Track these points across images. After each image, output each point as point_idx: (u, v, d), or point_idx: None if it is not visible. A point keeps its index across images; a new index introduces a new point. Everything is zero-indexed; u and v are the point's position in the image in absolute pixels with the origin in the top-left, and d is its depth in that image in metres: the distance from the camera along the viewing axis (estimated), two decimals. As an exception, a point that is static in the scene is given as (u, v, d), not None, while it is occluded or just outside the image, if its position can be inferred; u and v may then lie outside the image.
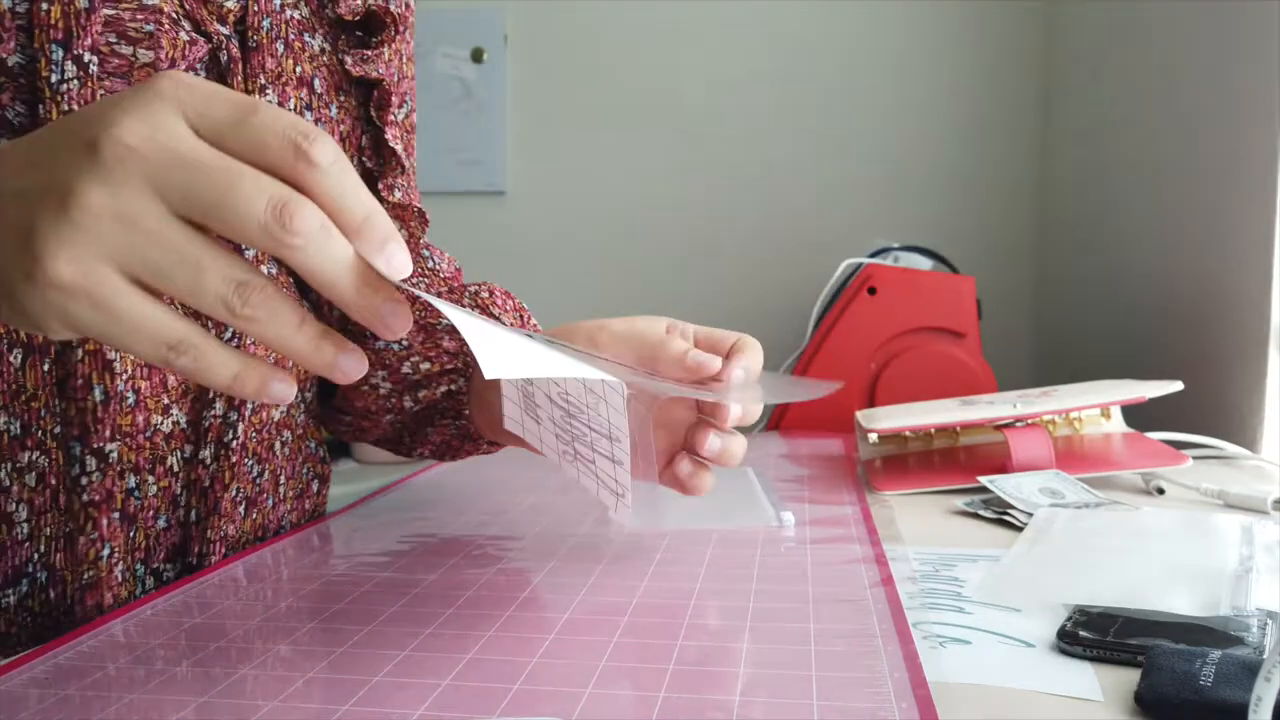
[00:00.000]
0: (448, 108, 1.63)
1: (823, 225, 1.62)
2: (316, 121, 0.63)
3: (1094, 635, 0.44)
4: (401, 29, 0.68)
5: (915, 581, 0.55)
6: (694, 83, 1.64)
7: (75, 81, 0.49)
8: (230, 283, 0.35)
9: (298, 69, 0.61)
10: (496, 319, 0.72)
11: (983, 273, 1.26)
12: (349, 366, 0.39)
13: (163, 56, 0.54)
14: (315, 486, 0.72)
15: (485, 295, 0.75)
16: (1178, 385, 0.83)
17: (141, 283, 0.35)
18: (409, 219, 0.72)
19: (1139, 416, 0.90)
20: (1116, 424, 0.89)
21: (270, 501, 0.65)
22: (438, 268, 0.77)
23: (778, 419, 1.18)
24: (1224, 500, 0.73)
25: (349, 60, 0.65)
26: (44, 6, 0.49)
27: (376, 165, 0.69)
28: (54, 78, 0.49)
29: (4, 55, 0.48)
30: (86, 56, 0.50)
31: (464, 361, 0.71)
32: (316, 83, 0.63)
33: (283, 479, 0.67)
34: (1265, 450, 0.95)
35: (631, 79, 1.65)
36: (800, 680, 0.40)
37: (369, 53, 0.66)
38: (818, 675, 0.40)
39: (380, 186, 0.68)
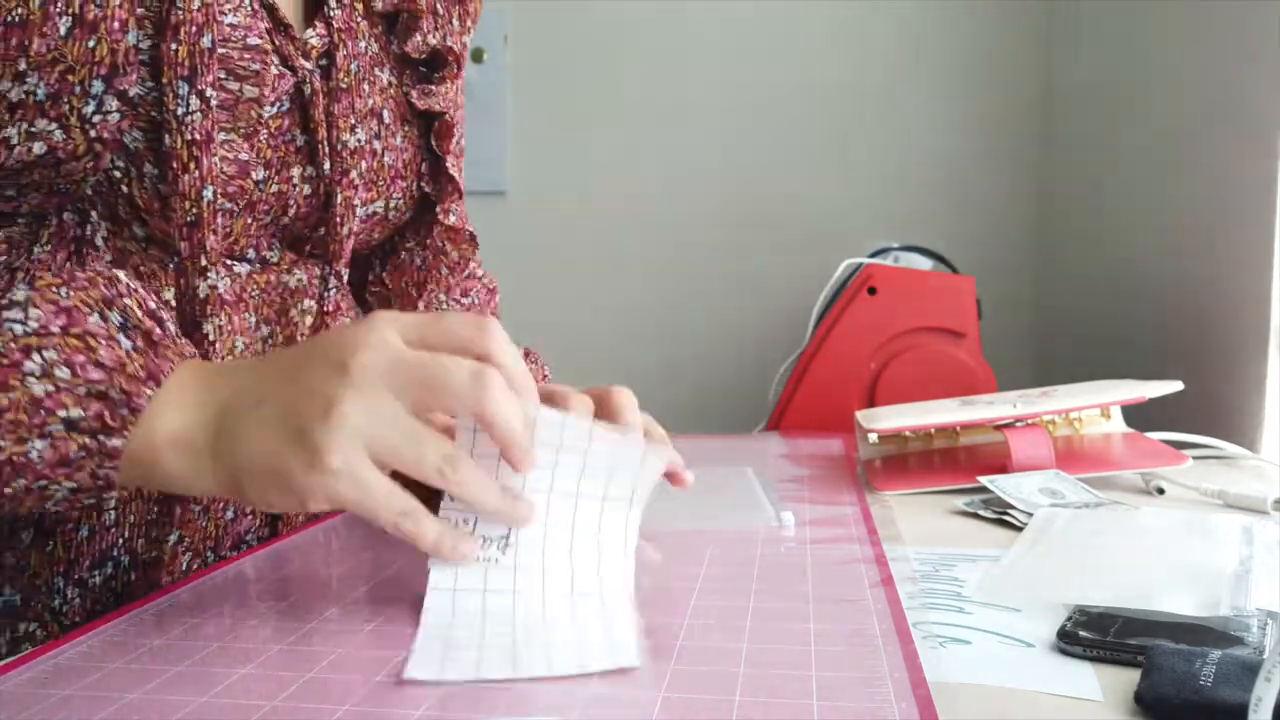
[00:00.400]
0: (448, 108, 1.63)
1: (823, 225, 1.62)
2: (384, 150, 0.68)
3: (1094, 635, 0.44)
4: (460, 67, 0.73)
5: (915, 581, 0.55)
6: (694, 83, 1.64)
7: (198, 114, 0.54)
8: (442, 455, 0.45)
9: (370, 102, 0.67)
10: None
11: (983, 273, 1.26)
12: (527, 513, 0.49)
13: (266, 93, 0.59)
14: None
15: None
16: (1178, 385, 0.83)
17: (379, 461, 0.44)
18: (460, 240, 0.79)
19: (1139, 416, 0.90)
20: (1116, 424, 0.89)
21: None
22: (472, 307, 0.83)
23: (777, 419, 1.18)
24: (1224, 500, 0.73)
25: (414, 94, 0.70)
26: (173, 47, 0.53)
27: (435, 190, 0.74)
28: (180, 110, 0.54)
29: (127, 87, 0.53)
30: (208, 92, 0.55)
31: None
32: (385, 114, 0.68)
33: None
34: (1265, 450, 0.95)
35: (632, 79, 1.65)
36: (800, 680, 0.40)
37: (432, 88, 0.71)
38: (817, 675, 0.40)
39: (438, 210, 0.75)
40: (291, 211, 0.63)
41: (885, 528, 0.66)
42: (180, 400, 0.47)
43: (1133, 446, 0.84)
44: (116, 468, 0.46)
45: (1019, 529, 0.65)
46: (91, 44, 0.51)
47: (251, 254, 0.62)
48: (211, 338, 0.57)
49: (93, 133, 0.52)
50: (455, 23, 0.72)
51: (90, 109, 0.52)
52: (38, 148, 0.51)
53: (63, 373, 0.46)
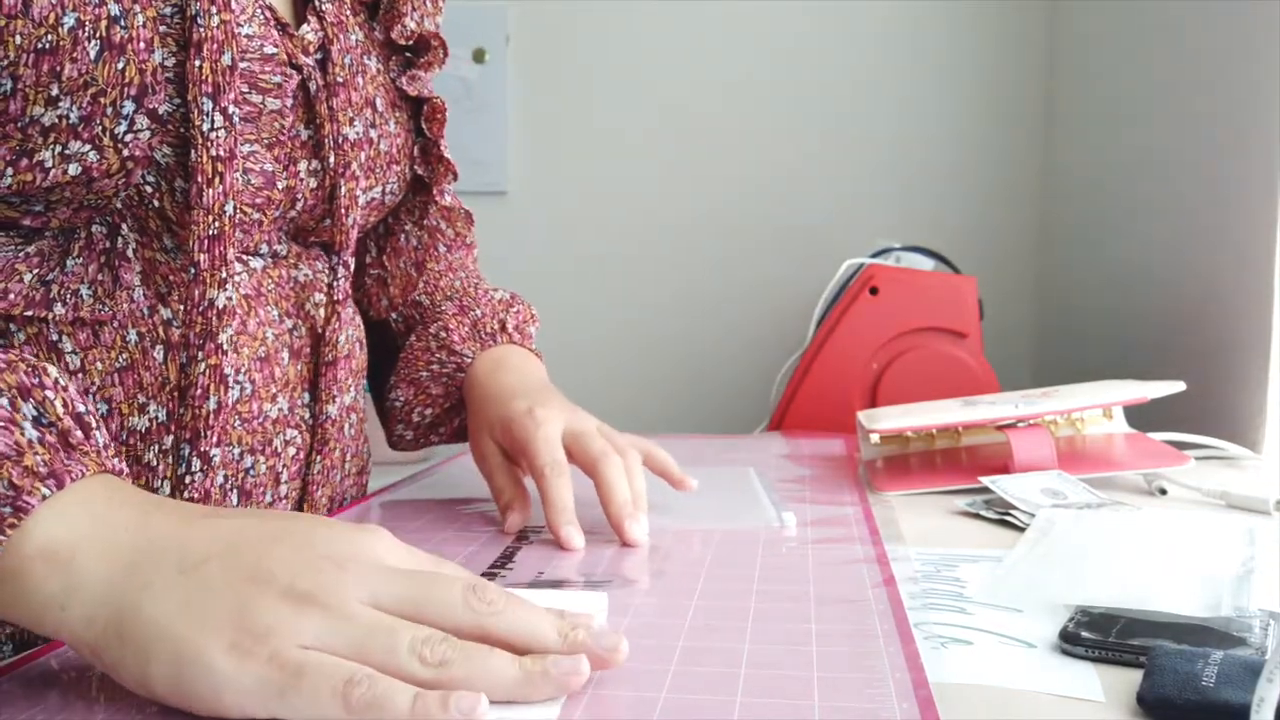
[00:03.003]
0: (449, 108, 1.63)
1: (824, 225, 1.62)
2: (380, 138, 0.69)
3: (1096, 636, 0.44)
4: (446, 53, 0.75)
5: (916, 582, 0.55)
6: (695, 83, 1.64)
7: (223, 130, 0.55)
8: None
9: (364, 92, 0.68)
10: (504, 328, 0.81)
11: (984, 273, 1.26)
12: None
13: (287, 105, 0.60)
14: (370, 465, 0.79)
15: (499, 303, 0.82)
16: (1180, 386, 0.83)
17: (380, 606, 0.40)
18: (455, 220, 0.81)
19: (1141, 417, 0.90)
20: (1118, 424, 0.89)
21: (337, 476, 0.70)
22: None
23: (779, 419, 1.18)
24: (1226, 501, 0.72)
25: (404, 81, 0.72)
26: (197, 63, 0.54)
27: (428, 172, 0.76)
28: (205, 126, 0.54)
29: (156, 105, 0.53)
30: (231, 109, 0.55)
31: (457, 397, 0.79)
32: (378, 101, 0.69)
33: (349, 456, 0.72)
34: (1267, 451, 0.94)
35: (633, 79, 1.65)
36: (801, 681, 0.40)
37: (420, 74, 0.73)
38: (819, 676, 0.40)
39: (434, 191, 0.78)
40: (299, 205, 0.64)
41: (887, 528, 0.66)
42: (79, 512, 0.41)
43: (1135, 447, 0.84)
44: None
45: (1021, 529, 0.65)
46: (120, 65, 0.51)
47: (264, 249, 0.64)
48: (226, 348, 0.57)
49: (125, 151, 0.53)
50: (429, 3, 0.74)
51: (122, 129, 0.52)
52: (73, 169, 0.52)
53: None
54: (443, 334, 0.79)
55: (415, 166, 0.75)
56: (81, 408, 0.46)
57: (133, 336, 0.56)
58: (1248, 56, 0.98)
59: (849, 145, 1.62)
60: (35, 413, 0.43)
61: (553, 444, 0.64)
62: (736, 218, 1.64)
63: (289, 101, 0.61)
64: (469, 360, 0.77)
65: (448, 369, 0.78)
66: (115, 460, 0.46)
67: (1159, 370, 1.13)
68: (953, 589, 0.54)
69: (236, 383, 0.59)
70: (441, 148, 0.75)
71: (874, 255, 1.29)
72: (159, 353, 0.57)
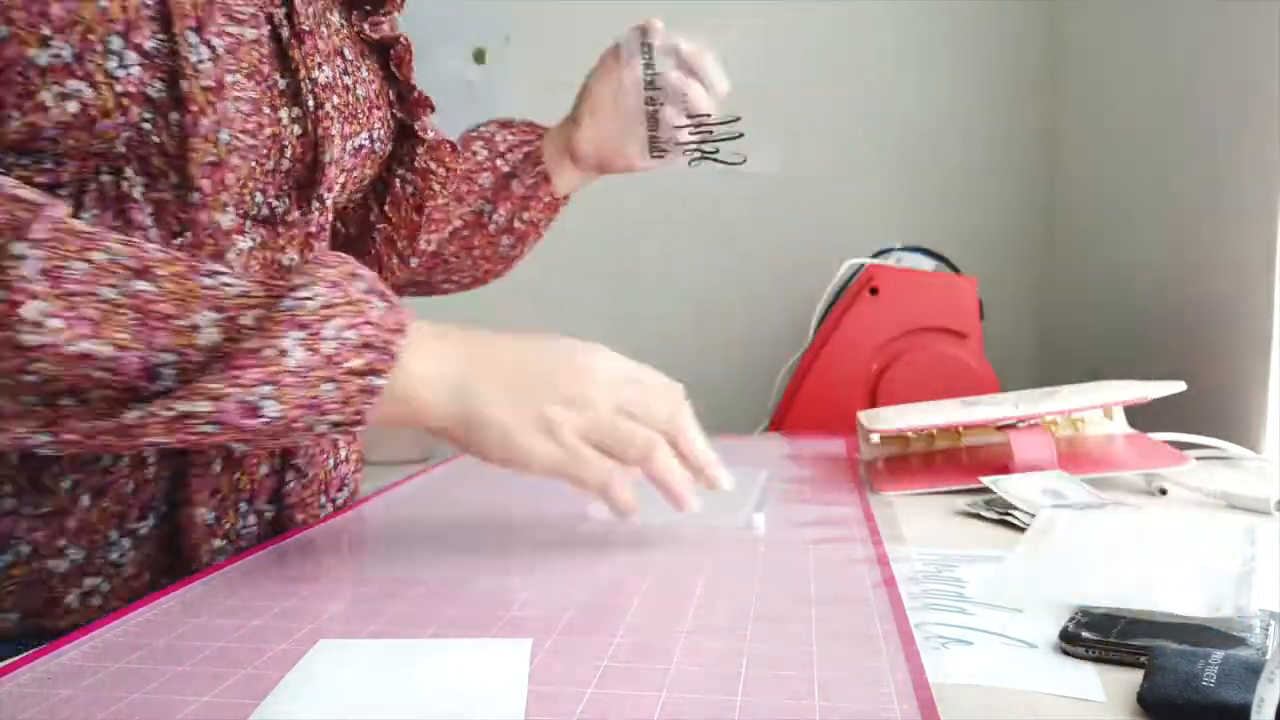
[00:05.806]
0: (450, 109, 1.63)
1: (824, 225, 1.62)
2: (355, 84, 0.72)
3: (1096, 636, 0.44)
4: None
5: (917, 582, 0.55)
6: (696, 83, 1.63)
7: (209, 62, 0.58)
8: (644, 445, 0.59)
9: (331, 42, 0.70)
10: None
11: (985, 273, 1.26)
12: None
13: (264, 34, 0.63)
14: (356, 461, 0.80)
15: None
16: (1180, 386, 0.83)
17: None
18: (444, 156, 0.83)
19: (1141, 417, 0.90)
20: (1119, 424, 0.89)
21: (331, 462, 0.73)
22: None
23: (779, 419, 1.17)
24: (1227, 501, 0.72)
25: (366, 28, 0.75)
26: None
27: (406, 114, 0.79)
28: (194, 59, 0.58)
29: (142, 41, 0.56)
30: (215, 41, 0.59)
31: (536, 134, 0.94)
32: (346, 51, 0.72)
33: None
34: (1268, 451, 0.94)
35: (633, 79, 1.64)
36: (802, 681, 0.40)
37: (380, 18, 0.76)
38: (819, 676, 0.40)
39: (416, 129, 0.79)
40: (288, 154, 0.65)
41: (887, 528, 0.66)
42: (423, 348, 0.55)
43: (1135, 447, 0.84)
44: (374, 404, 0.53)
45: (1021, 530, 0.65)
46: (104, 4, 0.55)
47: (259, 198, 0.64)
48: (235, 267, 0.59)
49: (119, 88, 0.56)
50: None
51: (114, 64, 0.55)
52: (71, 107, 0.55)
53: (349, 334, 0.53)
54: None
55: (394, 111, 0.77)
56: (372, 271, 0.57)
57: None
58: (1248, 57, 0.98)
59: (850, 145, 1.61)
60: (365, 286, 0.55)
61: None
62: (737, 217, 1.64)
63: (264, 33, 0.63)
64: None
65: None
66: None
67: (1159, 370, 1.12)
68: (953, 589, 0.54)
69: None
70: (415, 83, 0.78)
71: (874, 255, 1.29)
72: None
